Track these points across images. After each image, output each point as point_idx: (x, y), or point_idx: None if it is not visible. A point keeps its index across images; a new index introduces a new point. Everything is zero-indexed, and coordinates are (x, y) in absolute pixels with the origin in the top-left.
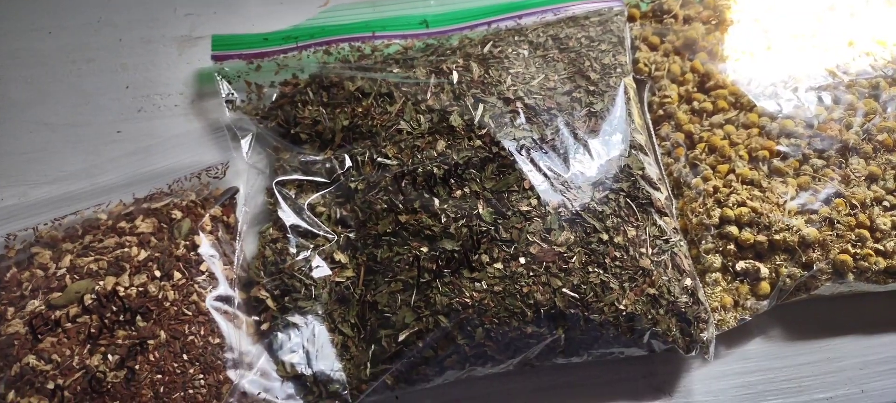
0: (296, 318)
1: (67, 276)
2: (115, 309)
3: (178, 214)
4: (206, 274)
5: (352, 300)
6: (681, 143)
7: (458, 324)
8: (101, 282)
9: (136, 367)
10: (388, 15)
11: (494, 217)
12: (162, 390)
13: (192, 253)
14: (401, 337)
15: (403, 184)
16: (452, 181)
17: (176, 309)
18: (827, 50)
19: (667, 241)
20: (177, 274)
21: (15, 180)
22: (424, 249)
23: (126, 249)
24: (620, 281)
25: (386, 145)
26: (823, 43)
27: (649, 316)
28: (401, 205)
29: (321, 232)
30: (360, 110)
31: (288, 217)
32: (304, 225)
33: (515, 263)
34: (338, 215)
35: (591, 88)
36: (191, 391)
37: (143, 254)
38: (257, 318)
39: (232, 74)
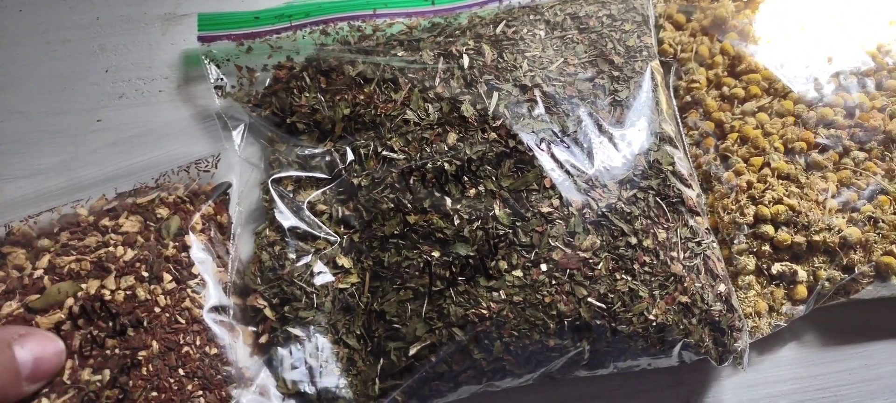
0: (297, 330)
1: (46, 278)
2: (102, 314)
3: (164, 212)
4: (198, 278)
5: (357, 309)
6: (710, 133)
7: (475, 337)
8: (85, 285)
9: (129, 384)
10: None
11: (512, 219)
12: None
13: (182, 254)
14: (412, 351)
15: (411, 181)
16: (465, 178)
17: (168, 316)
18: (867, 29)
19: (699, 244)
20: (167, 277)
21: None
22: (436, 254)
23: (110, 248)
24: (650, 288)
25: (391, 137)
26: (863, 22)
27: (681, 327)
28: (409, 205)
29: (322, 234)
30: (361, 98)
31: (286, 218)
32: (303, 226)
33: (536, 270)
34: (340, 214)
35: (615, 74)
36: None
37: (130, 254)
38: (255, 329)
39: (220, 57)
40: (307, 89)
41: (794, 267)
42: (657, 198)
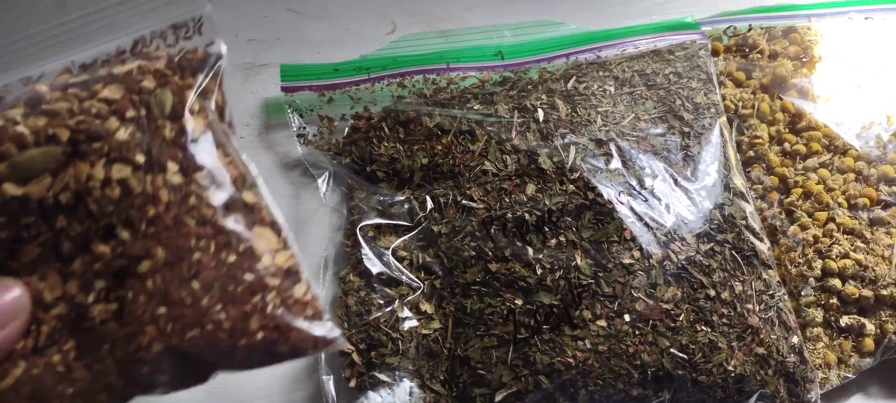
0: (383, 375)
1: (28, 134)
2: (83, 212)
3: (150, 83)
4: (205, 170)
5: (441, 354)
6: (774, 187)
7: (560, 386)
8: (72, 170)
9: (129, 297)
10: (460, 45)
11: (594, 269)
12: (169, 328)
13: (182, 138)
14: (498, 398)
15: (492, 230)
16: (546, 228)
17: (173, 215)
18: None
19: (772, 296)
20: (172, 166)
21: None
22: (519, 302)
23: (93, 118)
24: (729, 340)
25: (470, 187)
26: None
27: (758, 378)
28: (490, 253)
29: (405, 279)
30: (439, 148)
31: (372, 264)
32: (388, 272)
33: (620, 321)
34: (420, 260)
35: (686, 130)
36: (209, 328)
37: (124, 132)
38: (344, 375)
39: (303, 107)
40: (386, 139)
41: (862, 320)
42: (733, 252)
